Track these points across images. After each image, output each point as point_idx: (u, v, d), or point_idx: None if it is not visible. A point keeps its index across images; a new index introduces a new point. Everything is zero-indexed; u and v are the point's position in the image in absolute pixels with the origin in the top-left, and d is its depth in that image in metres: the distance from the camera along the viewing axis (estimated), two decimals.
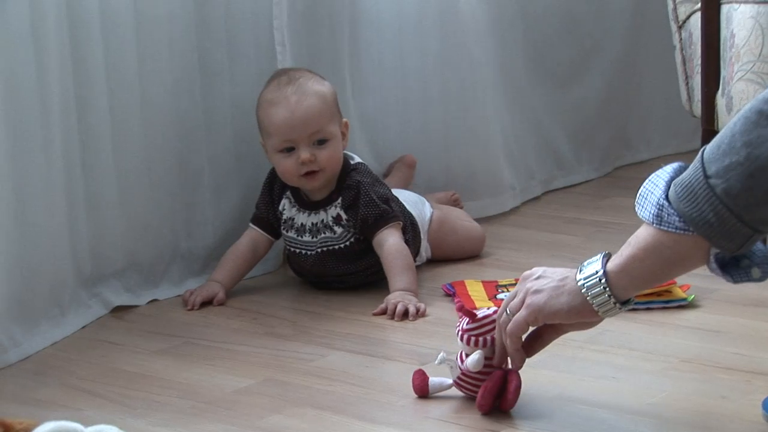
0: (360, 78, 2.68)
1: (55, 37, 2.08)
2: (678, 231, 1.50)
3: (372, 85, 2.71)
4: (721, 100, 2.48)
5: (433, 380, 1.80)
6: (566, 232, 2.71)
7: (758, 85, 2.34)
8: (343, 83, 2.60)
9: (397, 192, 2.48)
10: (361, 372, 1.93)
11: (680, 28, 2.70)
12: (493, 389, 1.70)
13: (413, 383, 1.80)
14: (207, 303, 2.28)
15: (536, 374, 1.73)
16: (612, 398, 1.78)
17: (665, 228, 1.51)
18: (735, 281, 1.54)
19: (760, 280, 1.54)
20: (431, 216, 2.49)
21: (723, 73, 2.47)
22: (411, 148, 2.75)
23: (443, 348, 1.86)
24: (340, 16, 2.58)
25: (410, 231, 2.38)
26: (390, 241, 2.26)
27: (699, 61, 2.56)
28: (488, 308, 1.76)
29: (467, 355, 1.74)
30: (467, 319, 1.74)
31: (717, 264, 1.53)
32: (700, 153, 1.50)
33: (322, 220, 2.30)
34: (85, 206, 2.20)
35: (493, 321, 1.73)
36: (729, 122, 1.48)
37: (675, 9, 2.71)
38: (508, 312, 1.68)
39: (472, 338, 1.73)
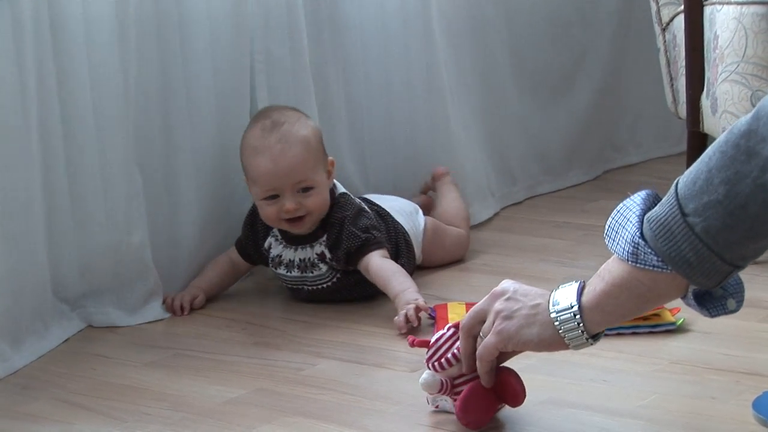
0: (346, 87, 2.68)
1: (36, 47, 2.07)
2: (655, 269, 1.48)
3: (358, 94, 2.71)
4: (706, 102, 2.48)
5: (444, 404, 1.77)
6: (554, 236, 2.72)
7: (742, 85, 2.35)
8: (328, 91, 2.61)
9: (392, 201, 2.48)
10: (351, 380, 1.93)
11: (664, 30, 2.71)
12: (475, 401, 1.69)
13: (427, 398, 1.79)
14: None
15: (526, 379, 1.73)
16: (602, 401, 1.78)
17: (641, 266, 1.49)
18: (712, 315, 1.52)
19: (736, 311, 1.52)
20: (425, 226, 2.49)
21: (707, 74, 2.47)
22: (397, 155, 2.75)
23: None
24: (322, 24, 2.58)
25: (404, 248, 2.38)
26: (374, 260, 2.25)
27: (683, 63, 2.57)
28: (446, 328, 1.74)
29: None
30: (426, 349, 1.74)
31: (693, 298, 1.51)
32: (673, 187, 1.47)
33: (309, 258, 2.29)
34: (69, 221, 2.19)
35: (449, 338, 1.71)
36: (703, 154, 1.45)
37: (658, 11, 2.72)
38: (482, 335, 1.66)
39: (436, 364, 1.72)
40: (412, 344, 1.76)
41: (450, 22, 2.83)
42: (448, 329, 1.73)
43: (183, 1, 2.34)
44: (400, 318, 2.11)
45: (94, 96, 2.19)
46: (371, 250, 2.25)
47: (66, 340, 2.17)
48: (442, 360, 1.71)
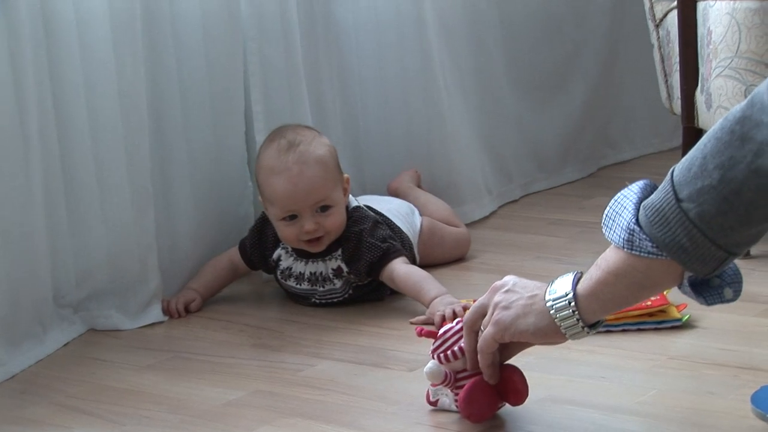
0: (340, 88, 2.68)
1: (31, 51, 2.07)
2: (650, 256, 1.47)
3: (353, 94, 2.71)
4: (700, 97, 2.48)
5: (444, 400, 1.77)
6: (551, 233, 2.72)
7: (736, 80, 2.35)
8: (322, 92, 2.61)
9: (387, 203, 2.48)
10: (349, 380, 1.93)
11: (657, 26, 2.71)
12: (478, 394, 1.69)
13: (426, 393, 1.79)
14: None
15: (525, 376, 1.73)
16: (601, 398, 1.78)
17: (636, 253, 1.48)
18: (708, 304, 1.52)
19: (733, 300, 1.52)
20: (421, 226, 2.49)
21: (701, 70, 2.48)
22: (394, 156, 2.75)
23: (428, 352, 1.87)
24: (316, 25, 2.59)
25: (409, 254, 2.37)
26: (399, 268, 2.24)
27: (677, 59, 2.57)
28: (455, 321, 1.75)
29: None
30: (433, 340, 1.74)
31: (689, 286, 1.51)
32: (669, 174, 1.47)
33: (321, 272, 2.29)
34: (67, 224, 2.19)
35: (457, 332, 1.72)
36: (698, 142, 1.45)
37: (652, 8, 2.73)
38: (482, 329, 1.66)
39: (441, 355, 1.72)
40: (420, 334, 1.76)
41: (444, 22, 2.83)
42: (457, 323, 1.73)
43: (176, 4, 2.34)
44: (436, 317, 2.11)
45: (89, 100, 2.19)
46: (393, 259, 2.25)
47: (66, 344, 2.17)
48: (448, 352, 1.71)
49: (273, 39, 2.48)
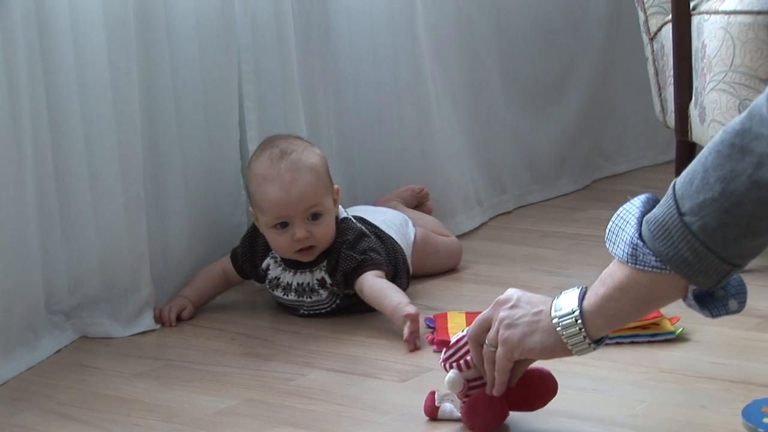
0: (335, 98, 2.68)
1: (26, 57, 2.07)
2: (654, 270, 1.48)
3: (348, 104, 2.71)
4: (694, 111, 2.49)
5: (446, 406, 1.78)
6: (544, 245, 2.72)
7: (730, 95, 2.35)
8: (316, 102, 2.61)
9: (381, 215, 2.47)
10: (341, 390, 1.93)
11: (652, 40, 2.72)
12: (480, 408, 1.69)
13: (425, 403, 1.78)
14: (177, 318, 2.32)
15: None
16: (593, 410, 1.78)
17: (640, 267, 1.49)
18: (713, 316, 1.52)
19: (738, 311, 1.52)
20: (415, 236, 2.49)
21: (695, 83, 2.48)
22: (386, 166, 2.75)
23: (419, 362, 1.86)
24: (311, 35, 2.59)
25: (402, 267, 2.37)
26: (367, 280, 2.23)
27: (671, 73, 2.58)
28: (462, 331, 1.74)
29: None
30: (444, 349, 1.74)
31: (694, 299, 1.52)
32: (671, 188, 1.48)
33: (308, 283, 2.29)
34: (60, 231, 2.19)
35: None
36: (699, 155, 1.46)
37: (647, 21, 2.73)
38: (487, 342, 1.66)
39: (453, 365, 1.72)
40: (432, 342, 1.75)
41: (438, 33, 2.84)
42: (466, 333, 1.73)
43: (170, 13, 2.34)
44: (408, 346, 2.09)
45: (83, 107, 2.19)
46: (366, 271, 2.25)
47: (57, 351, 2.16)
48: (461, 361, 1.71)
49: (268, 48, 2.48)
